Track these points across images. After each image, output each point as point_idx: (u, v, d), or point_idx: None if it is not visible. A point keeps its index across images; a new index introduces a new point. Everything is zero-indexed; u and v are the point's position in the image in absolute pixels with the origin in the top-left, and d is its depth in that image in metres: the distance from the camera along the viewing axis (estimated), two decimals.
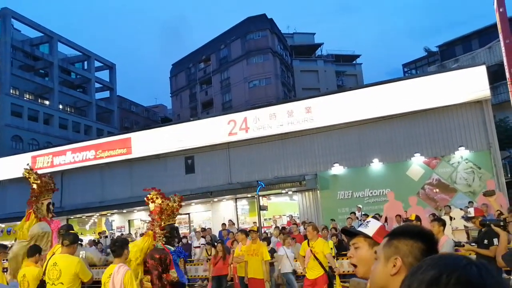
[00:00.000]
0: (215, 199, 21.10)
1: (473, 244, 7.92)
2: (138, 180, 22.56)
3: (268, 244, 12.29)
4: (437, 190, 17.51)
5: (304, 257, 8.22)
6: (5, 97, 40.74)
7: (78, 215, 23.75)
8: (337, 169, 18.82)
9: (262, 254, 8.75)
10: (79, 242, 6.55)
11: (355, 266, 2.37)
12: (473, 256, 8.16)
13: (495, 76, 24.05)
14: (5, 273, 7.75)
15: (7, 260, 6.92)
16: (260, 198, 17.79)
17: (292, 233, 14.62)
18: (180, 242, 12.92)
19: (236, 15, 72.86)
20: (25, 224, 7.11)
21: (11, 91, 42.91)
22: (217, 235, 17.22)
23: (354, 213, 16.19)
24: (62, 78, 49.89)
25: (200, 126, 21.82)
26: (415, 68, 51.26)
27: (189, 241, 16.80)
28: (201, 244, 15.52)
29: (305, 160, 19.64)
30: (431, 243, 1.62)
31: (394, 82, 19.06)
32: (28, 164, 8.77)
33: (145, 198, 6.02)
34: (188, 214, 22.29)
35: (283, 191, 19.96)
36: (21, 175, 25.01)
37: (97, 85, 54.80)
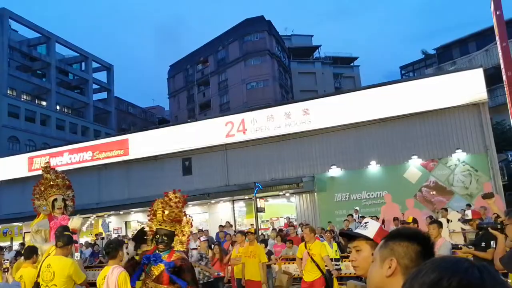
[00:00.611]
0: (212, 201, 21.07)
1: (471, 246, 7.92)
2: (135, 181, 22.55)
3: (266, 246, 12.27)
4: (434, 192, 17.53)
5: (301, 259, 8.20)
6: (2, 98, 40.65)
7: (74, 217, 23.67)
8: (335, 171, 18.82)
9: (260, 256, 8.72)
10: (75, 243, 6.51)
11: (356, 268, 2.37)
12: (470, 259, 8.16)
13: (492, 79, 24.11)
14: (6, 273, 7.74)
15: (7, 260, 6.91)
16: (258, 200, 17.78)
17: (289, 235, 14.63)
18: None
19: (233, 17, 73.04)
20: (33, 222, 7.17)
21: (8, 92, 42.82)
22: (214, 237, 17.18)
23: (352, 216, 16.17)
24: (60, 79, 49.81)
25: (197, 128, 21.81)
26: (413, 70, 51.45)
27: None
28: (198, 246, 15.46)
29: (303, 162, 19.63)
30: (427, 245, 1.62)
31: (391, 85, 19.11)
32: (46, 162, 8.76)
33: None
34: None
35: (281, 193, 19.96)
36: (17, 176, 24.81)
37: (95, 86, 54.74)
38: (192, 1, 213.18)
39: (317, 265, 7.79)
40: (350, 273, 11.31)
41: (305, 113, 19.38)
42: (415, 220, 8.09)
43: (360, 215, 16.52)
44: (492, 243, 6.39)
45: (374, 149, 18.53)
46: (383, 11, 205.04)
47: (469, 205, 15.69)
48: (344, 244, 12.16)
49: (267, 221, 20.72)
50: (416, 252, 1.58)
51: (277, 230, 15.75)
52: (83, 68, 54.01)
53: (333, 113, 18.99)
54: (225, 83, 51.12)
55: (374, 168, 18.42)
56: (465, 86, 17.41)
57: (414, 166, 17.89)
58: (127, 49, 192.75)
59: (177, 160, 22.05)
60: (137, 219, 23.84)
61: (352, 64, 63.43)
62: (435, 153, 17.80)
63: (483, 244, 6.83)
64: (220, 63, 52.20)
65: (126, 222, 24.10)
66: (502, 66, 19.82)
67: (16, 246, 21.55)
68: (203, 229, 18.54)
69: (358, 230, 2.41)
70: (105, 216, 23.64)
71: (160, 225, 5.34)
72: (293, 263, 11.90)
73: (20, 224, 24.61)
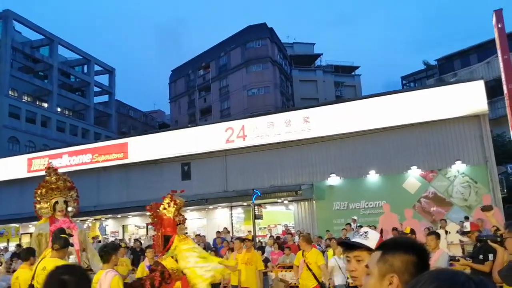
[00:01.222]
0: (211, 207, 21.02)
1: (468, 259, 7.89)
2: (134, 185, 22.50)
3: (263, 253, 12.22)
4: (433, 203, 17.48)
5: (298, 267, 8.16)
6: (3, 98, 40.69)
7: (72, 219, 23.60)
8: (334, 180, 18.79)
9: (256, 263, 8.68)
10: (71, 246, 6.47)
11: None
12: (468, 271, 8.12)
13: (493, 91, 24.15)
14: None
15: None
16: (256, 206, 17.73)
17: (287, 243, 14.56)
18: None
19: (236, 23, 73.37)
20: (37, 224, 7.15)
21: (10, 93, 42.87)
22: (211, 242, 17.11)
23: (350, 225, 16.11)
24: (61, 81, 49.93)
25: (197, 133, 21.79)
26: (414, 80, 51.53)
27: None
28: None
29: (302, 169, 19.59)
30: (424, 256, 1.62)
31: (392, 94, 19.12)
32: (50, 163, 8.76)
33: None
34: None
35: (279, 200, 19.91)
36: (16, 177, 24.72)
37: (96, 89, 54.87)
38: (195, 6, 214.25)
39: (313, 274, 7.75)
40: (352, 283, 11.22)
41: (306, 120, 19.38)
42: (413, 231, 8.05)
43: (358, 224, 16.48)
44: (490, 256, 6.36)
45: (373, 159, 18.50)
46: (385, 21, 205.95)
47: (467, 217, 15.66)
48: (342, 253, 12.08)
49: (265, 228, 20.66)
50: (414, 264, 1.58)
51: (275, 237, 15.67)
52: (85, 71, 54.14)
53: (334, 122, 18.98)
54: (226, 89, 51.22)
55: (373, 177, 18.40)
56: (466, 98, 17.43)
57: (413, 177, 17.87)
58: (129, 53, 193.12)
59: (176, 165, 22.02)
60: (135, 223, 23.78)
61: (353, 73, 63.56)
62: (434, 164, 17.77)
63: (481, 256, 6.80)
64: (222, 69, 52.33)
65: (123, 226, 24.03)
66: (503, 79, 19.86)
67: (12, 247, 21.45)
68: (200, 235, 18.50)
69: (358, 240, 2.39)
70: (103, 219, 23.56)
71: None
72: (290, 271, 11.83)
73: (17, 225, 24.54)
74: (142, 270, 8.50)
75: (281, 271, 12.43)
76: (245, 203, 19.94)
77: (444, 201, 17.39)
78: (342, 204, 18.70)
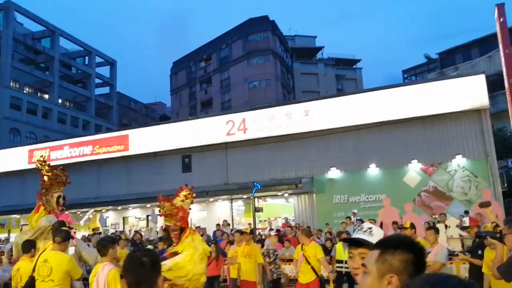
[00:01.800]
0: (211, 199, 21.05)
1: (467, 253, 7.91)
2: (135, 177, 22.54)
3: (262, 246, 12.23)
4: (434, 197, 17.49)
5: (298, 260, 8.18)
6: (4, 90, 40.67)
7: (73, 210, 23.64)
8: (334, 173, 18.81)
9: (256, 257, 8.70)
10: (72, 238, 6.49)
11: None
12: (467, 266, 8.15)
13: (494, 85, 24.05)
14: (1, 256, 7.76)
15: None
16: (256, 199, 17.76)
17: (287, 236, 14.61)
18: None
19: (238, 16, 72.96)
20: (34, 216, 7.09)
21: (11, 84, 42.85)
22: (211, 235, 17.16)
23: (350, 218, 16.16)
24: (63, 72, 49.87)
25: (198, 126, 21.78)
26: (415, 74, 51.40)
27: None
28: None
29: (302, 163, 19.60)
30: (421, 255, 1.64)
31: (393, 88, 19.05)
32: (42, 156, 8.72)
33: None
34: None
35: (279, 193, 19.94)
36: (17, 168, 24.74)
37: (97, 80, 54.85)
38: None
39: (312, 267, 7.77)
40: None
41: (306, 114, 19.34)
42: (412, 226, 8.04)
43: (358, 217, 16.51)
44: None
45: (374, 152, 18.48)
46: (388, 16, 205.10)
47: (467, 212, 15.67)
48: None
49: (265, 220, 20.71)
50: (412, 263, 1.59)
51: (274, 230, 15.71)
52: (86, 63, 54.07)
53: (334, 115, 18.95)
54: (227, 81, 51.16)
55: (373, 171, 18.40)
56: (467, 92, 17.37)
57: (413, 170, 17.86)
58: (131, 45, 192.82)
59: (177, 157, 22.03)
60: (135, 215, 23.85)
61: (354, 66, 63.43)
62: (435, 158, 17.76)
63: (479, 251, 6.82)
64: (223, 61, 52.23)
65: (124, 218, 24.10)
66: (504, 73, 19.78)
67: (13, 238, 21.51)
68: (200, 227, 18.53)
69: (363, 236, 2.35)
70: (103, 211, 23.63)
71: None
72: (289, 264, 11.88)
73: (18, 216, 24.61)
74: None
75: (281, 264, 12.46)
76: (245, 196, 19.98)
77: (444, 195, 17.39)
78: (342, 198, 18.72)
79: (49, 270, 5.27)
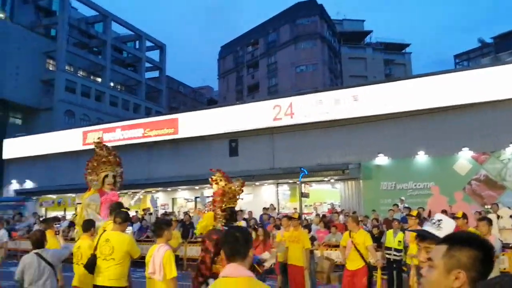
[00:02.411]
0: (257, 183, 21.26)
1: None
2: (183, 160, 23.08)
3: (309, 231, 12.36)
4: (485, 186, 16.98)
5: (345, 247, 8.24)
6: (60, 73, 42.28)
7: (124, 191, 24.55)
8: (381, 160, 18.59)
9: (304, 242, 8.81)
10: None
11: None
12: None
13: None
14: (57, 235, 8.24)
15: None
16: (302, 185, 17.83)
17: (333, 222, 14.66)
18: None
19: (285, 0, 72.09)
20: (85, 195, 7.51)
21: (66, 68, 44.46)
22: (257, 218, 17.40)
23: (397, 205, 15.97)
24: (114, 56, 51.20)
25: (245, 110, 22.01)
26: (468, 59, 49.53)
27: None
28: None
29: (349, 148, 19.45)
30: (489, 253, 1.63)
31: (444, 74, 18.45)
32: (98, 138, 9.18)
33: (210, 179, 6.09)
34: None
35: (326, 179, 19.92)
36: (72, 149, 25.74)
37: (147, 64, 55.97)
38: None
39: (361, 254, 7.81)
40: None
41: (355, 99, 19.13)
42: (465, 215, 7.91)
43: (405, 205, 16.31)
44: None
45: (423, 139, 18.09)
46: None
47: None
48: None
49: (311, 205, 20.76)
50: (480, 260, 1.59)
51: (321, 216, 15.76)
52: (136, 47, 55.25)
53: (383, 101, 18.65)
54: (274, 65, 51.04)
55: (422, 158, 18.05)
56: None
57: (464, 158, 17.38)
58: (179, 29, 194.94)
59: (224, 141, 22.38)
60: (184, 196, 24.46)
61: (403, 51, 61.75)
62: (487, 146, 17.16)
63: None
64: (270, 46, 52.08)
65: (173, 199, 24.78)
66: None
67: (69, 216, 22.61)
68: (244, 210, 18.46)
69: (430, 230, 2.31)
70: (153, 192, 24.38)
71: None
72: (335, 250, 11.94)
73: (73, 195, 25.77)
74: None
75: (327, 250, 12.57)
76: (291, 181, 20.11)
77: (496, 184, 16.87)
78: (389, 184, 18.50)
79: (111, 249, 5.60)
